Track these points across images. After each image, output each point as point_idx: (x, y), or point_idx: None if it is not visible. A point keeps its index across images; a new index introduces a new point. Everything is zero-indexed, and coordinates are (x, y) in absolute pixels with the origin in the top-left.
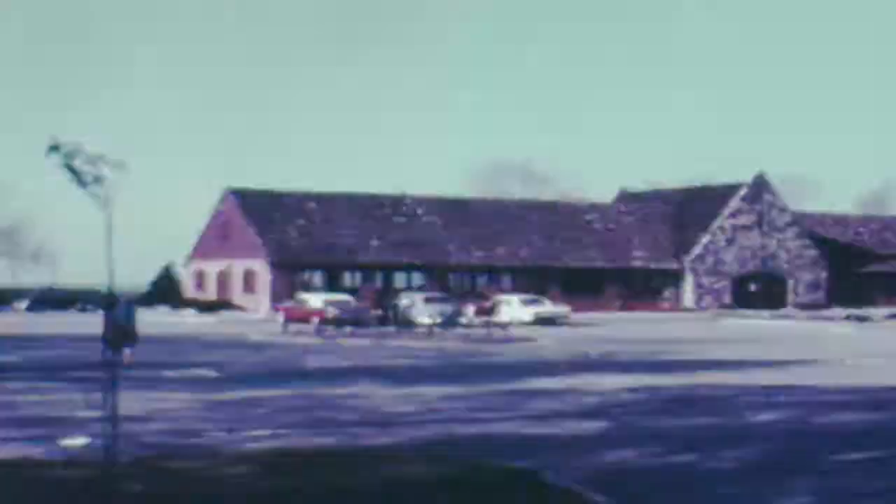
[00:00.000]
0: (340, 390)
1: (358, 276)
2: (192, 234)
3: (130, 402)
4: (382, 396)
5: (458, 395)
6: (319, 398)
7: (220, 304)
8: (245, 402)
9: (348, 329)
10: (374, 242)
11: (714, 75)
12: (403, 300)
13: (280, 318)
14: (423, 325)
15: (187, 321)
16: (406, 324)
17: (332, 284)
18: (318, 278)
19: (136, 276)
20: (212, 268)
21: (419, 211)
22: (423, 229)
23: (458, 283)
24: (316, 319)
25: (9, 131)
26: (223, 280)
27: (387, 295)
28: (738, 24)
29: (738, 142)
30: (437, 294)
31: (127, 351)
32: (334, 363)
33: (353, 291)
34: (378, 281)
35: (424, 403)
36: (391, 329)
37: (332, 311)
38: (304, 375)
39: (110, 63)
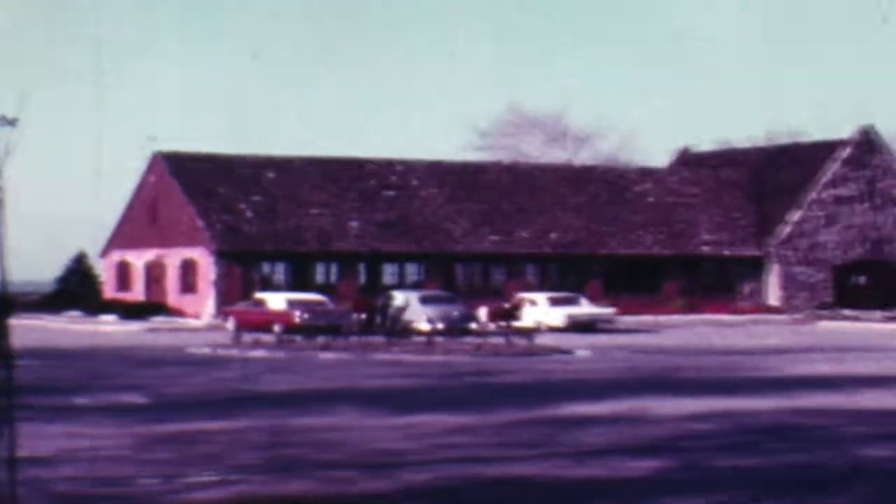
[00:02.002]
0: (314, 421)
1: (334, 268)
2: (110, 214)
3: (33, 439)
4: (370, 429)
5: (470, 426)
6: (286, 431)
7: (150, 308)
8: (186, 438)
9: (321, 339)
10: (356, 224)
11: None
12: (395, 300)
13: (230, 324)
14: (421, 333)
15: (106, 330)
16: (399, 331)
17: (299, 280)
18: (280, 272)
19: (36, 271)
20: (138, 259)
21: (414, 181)
22: (420, 206)
23: (467, 277)
24: (278, 326)
25: None
26: (153, 275)
27: (373, 294)
28: None
29: (834, 85)
30: (438, 292)
31: None
32: (305, 384)
33: (327, 289)
34: (361, 275)
35: (426, 438)
36: (379, 338)
37: (299, 316)
38: (265, 401)
39: None
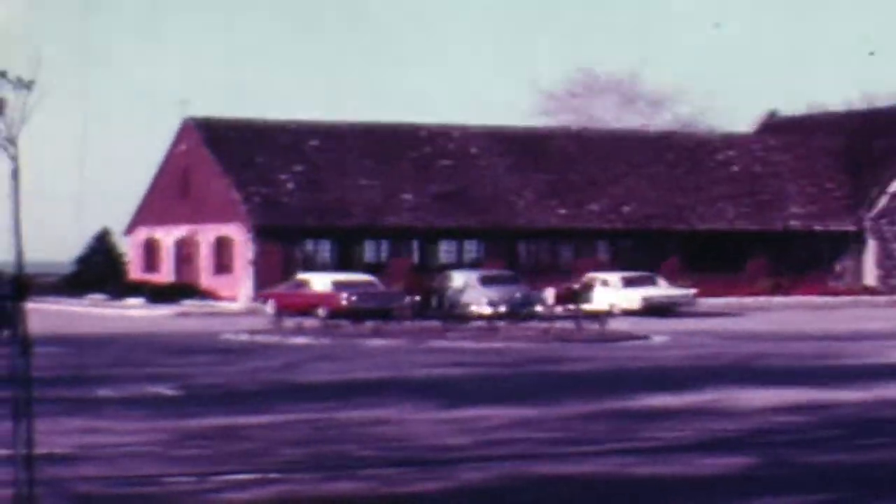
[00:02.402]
0: (361, 414)
1: (384, 246)
2: (137, 187)
3: (53, 435)
4: (423, 422)
5: (534, 419)
6: (330, 426)
7: (181, 290)
8: (220, 433)
9: (370, 324)
10: (408, 196)
11: None
12: (452, 281)
13: (269, 308)
14: (480, 318)
15: (132, 314)
16: (456, 315)
17: (345, 259)
18: (325, 250)
19: (55, 251)
20: (166, 236)
21: (473, 149)
22: (480, 176)
23: (532, 255)
24: (323, 310)
25: None
26: (184, 254)
27: (427, 274)
28: None
29: None
30: (500, 272)
31: None
32: (351, 374)
33: (376, 269)
34: (414, 253)
35: (485, 432)
36: (434, 323)
37: (346, 298)
38: (307, 392)
39: None
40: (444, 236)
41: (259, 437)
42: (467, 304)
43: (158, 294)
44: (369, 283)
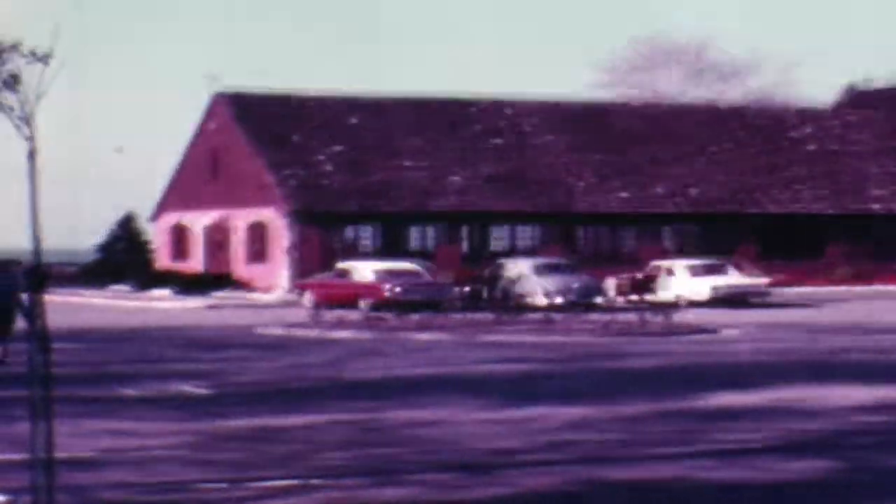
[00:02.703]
0: (409, 414)
1: (432, 232)
2: (164, 168)
3: (74, 437)
4: (477, 423)
5: (596, 419)
6: (376, 427)
7: (212, 280)
8: (256, 435)
9: (417, 317)
10: (458, 178)
11: None
12: (505, 270)
13: (307, 300)
14: (536, 309)
15: (159, 306)
16: (510, 307)
17: (390, 246)
18: (367, 237)
19: (75, 238)
20: (196, 222)
21: (528, 126)
22: (536, 156)
23: (592, 241)
24: (365, 302)
25: None
26: (215, 241)
27: (478, 262)
28: None
29: None
30: (557, 260)
31: None
32: (397, 371)
33: (424, 257)
34: (464, 240)
35: (543, 434)
36: (487, 316)
37: (391, 289)
38: (349, 391)
39: None
40: (497, 221)
41: (297, 440)
42: (522, 295)
43: (187, 284)
44: (415, 273)
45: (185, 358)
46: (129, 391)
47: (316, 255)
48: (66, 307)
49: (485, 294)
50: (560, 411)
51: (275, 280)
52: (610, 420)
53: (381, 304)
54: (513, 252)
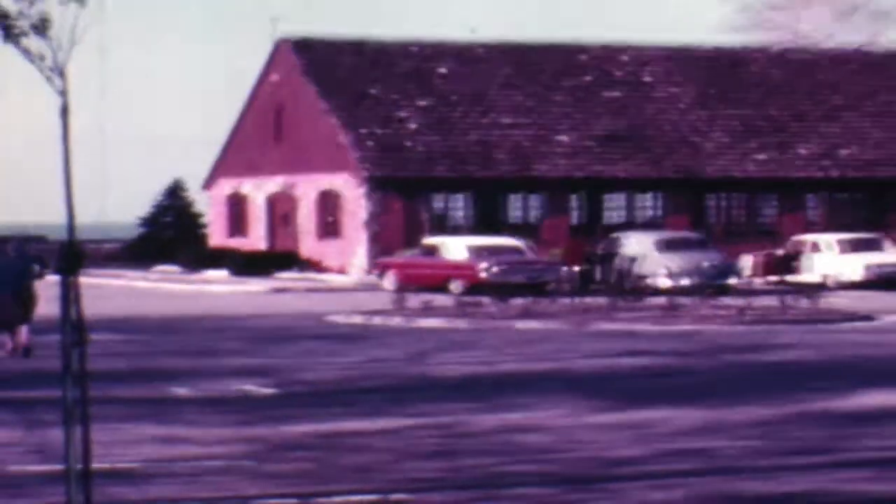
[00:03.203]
0: (506, 418)
1: (535, 202)
2: (219, 128)
3: (116, 445)
4: (586, 428)
5: (729, 423)
6: (467, 432)
7: (276, 259)
8: (327, 443)
9: (519, 302)
10: (565, 138)
11: None
12: (623, 246)
13: (389, 282)
14: (660, 292)
15: (214, 290)
16: (629, 290)
17: (486, 219)
18: (459, 207)
19: (117, 210)
20: (256, 191)
21: (648, 76)
22: (657, 111)
23: (725, 212)
24: (458, 284)
25: None
26: (279, 213)
27: (591, 237)
28: None
29: None
30: (684, 234)
31: (23, 331)
32: (495, 366)
33: (526, 231)
34: (574, 211)
35: (665, 440)
36: (600, 300)
37: (487, 269)
38: (437, 390)
39: None
40: (612, 189)
41: (376, 448)
42: (642, 277)
43: (247, 265)
44: (516, 250)
45: (244, 351)
46: (180, 390)
47: (399, 230)
48: (105, 291)
49: (598, 275)
50: (686, 414)
51: (350, 259)
52: (744, 424)
53: (476, 287)
54: (631, 225)
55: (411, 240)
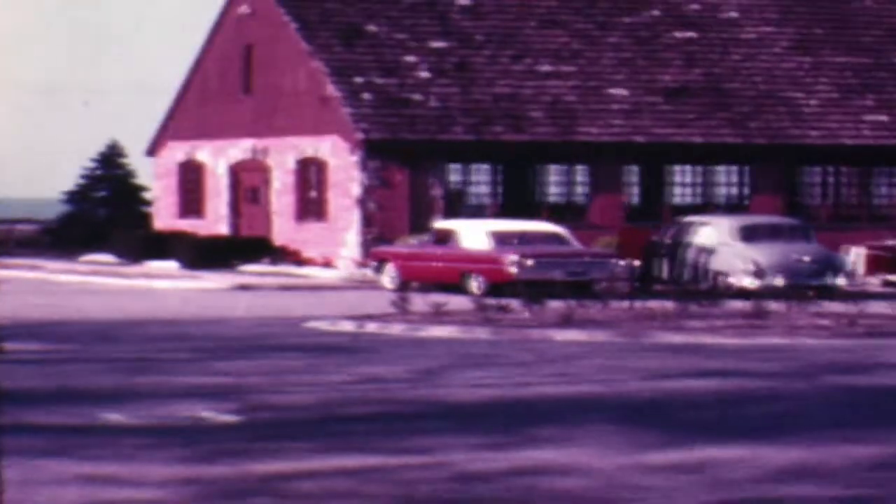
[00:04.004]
0: (534, 456)
1: (581, 174)
2: (167, 78)
3: (28, 485)
4: (637, 470)
5: (825, 465)
6: (487, 474)
7: (242, 247)
8: (303, 487)
9: (557, 305)
10: (621, 92)
11: None
12: (695, 234)
13: (388, 278)
14: (741, 294)
15: (162, 286)
16: (701, 291)
17: (518, 196)
18: (483, 182)
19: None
20: (217, 158)
21: (729, 11)
22: (741, 57)
23: (829, 190)
24: (479, 281)
25: None
26: (247, 188)
27: (652, 221)
28: None
29: None
30: (774, 219)
31: None
32: (524, 389)
33: (569, 213)
34: (631, 187)
35: (741, 488)
36: (664, 304)
37: (517, 262)
38: (448, 418)
39: None
40: (681, 159)
41: (364, 494)
42: (719, 273)
43: (203, 254)
44: (556, 238)
45: (197, 367)
46: (113, 416)
47: (402, 210)
48: (17, 286)
49: (662, 271)
50: (771, 454)
51: (338, 248)
52: (849, 468)
53: (503, 286)
54: (706, 207)
55: (418, 223)
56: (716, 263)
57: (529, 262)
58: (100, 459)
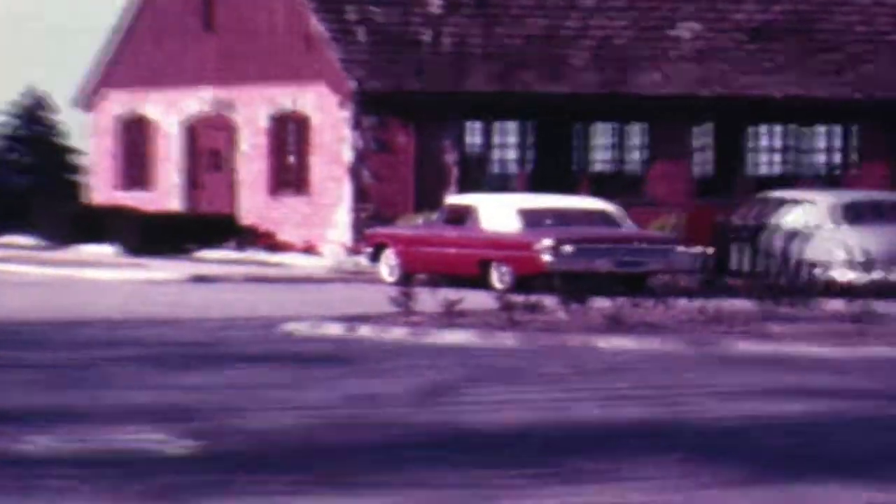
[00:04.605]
0: (578, 495)
1: (637, 136)
2: (105, 9)
3: None
4: None
5: None
6: None
7: (199, 227)
8: None
9: (606, 304)
10: (687, 33)
11: None
12: (784, 214)
13: (388, 267)
14: (843, 291)
15: (97, 277)
16: (792, 287)
17: (553, 163)
18: (508, 144)
19: None
20: (168, 112)
21: None
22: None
23: None
24: (503, 272)
25: None
26: (205, 150)
27: (730, 196)
28: None
29: None
30: (885, 195)
31: None
32: (562, 410)
33: (618, 186)
34: (699, 152)
35: None
36: (744, 303)
37: (552, 249)
38: (463, 449)
39: None
40: (764, 118)
41: None
42: (814, 264)
43: (150, 236)
44: (602, 217)
45: (142, 381)
46: (36, 443)
47: (406, 181)
48: None
49: (740, 261)
50: (880, 497)
51: (323, 229)
52: None
53: (534, 279)
54: (796, 180)
55: (426, 198)
56: (811, 252)
57: (568, 249)
58: (20, 496)
